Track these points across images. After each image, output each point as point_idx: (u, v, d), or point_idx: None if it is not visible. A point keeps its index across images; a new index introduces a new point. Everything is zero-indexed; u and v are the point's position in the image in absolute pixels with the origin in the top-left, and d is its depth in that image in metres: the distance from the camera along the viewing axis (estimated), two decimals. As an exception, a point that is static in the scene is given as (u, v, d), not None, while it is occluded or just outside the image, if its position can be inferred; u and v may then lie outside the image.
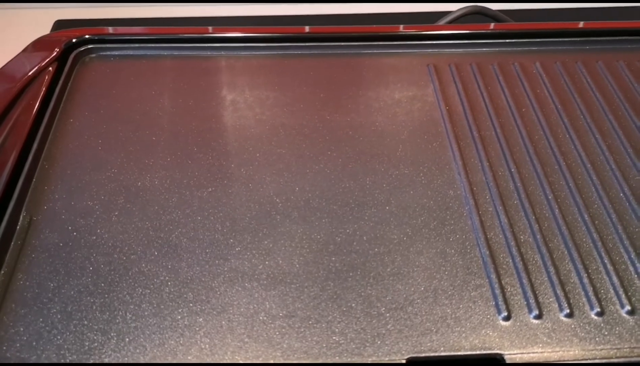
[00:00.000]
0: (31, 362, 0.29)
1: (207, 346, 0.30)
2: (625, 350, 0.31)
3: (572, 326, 0.32)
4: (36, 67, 0.46)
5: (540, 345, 0.31)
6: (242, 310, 0.32)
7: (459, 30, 0.52)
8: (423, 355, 0.30)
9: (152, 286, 0.33)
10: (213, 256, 0.34)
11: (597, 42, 0.52)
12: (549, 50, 0.52)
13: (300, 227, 0.36)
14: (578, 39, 0.52)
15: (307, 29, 0.53)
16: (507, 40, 0.52)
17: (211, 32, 0.52)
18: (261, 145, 0.42)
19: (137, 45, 0.51)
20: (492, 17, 0.61)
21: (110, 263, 0.34)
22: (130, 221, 0.36)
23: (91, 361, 0.29)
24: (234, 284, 0.33)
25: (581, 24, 0.54)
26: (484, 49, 0.52)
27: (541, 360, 0.30)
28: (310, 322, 0.31)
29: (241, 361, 0.30)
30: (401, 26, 0.53)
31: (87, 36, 0.50)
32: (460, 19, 0.59)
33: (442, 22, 0.59)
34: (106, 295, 0.32)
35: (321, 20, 0.72)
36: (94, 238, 0.35)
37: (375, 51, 0.51)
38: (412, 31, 0.52)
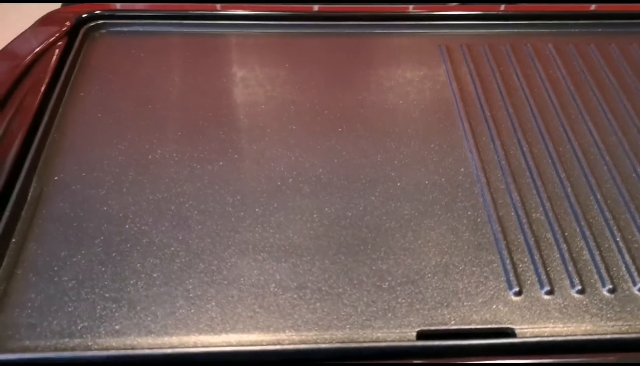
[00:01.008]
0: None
1: (218, 315, 0.30)
2: (637, 326, 0.31)
3: (584, 302, 0.31)
4: (47, 42, 0.46)
5: (552, 320, 0.31)
6: (252, 280, 0.32)
7: (471, 12, 0.52)
8: (433, 327, 0.30)
9: (163, 256, 0.32)
10: (223, 228, 0.34)
11: (610, 25, 0.52)
12: (562, 32, 0.51)
13: (311, 202, 0.36)
14: (591, 21, 0.52)
15: (316, 7, 0.53)
16: (520, 22, 0.52)
17: (220, 9, 0.52)
18: (272, 121, 0.42)
19: (146, 21, 0.50)
20: None
21: (121, 233, 0.34)
22: (141, 193, 0.36)
23: (102, 329, 0.29)
24: (245, 256, 0.33)
25: (594, 7, 0.53)
26: (496, 30, 0.51)
27: (553, 335, 0.30)
28: (320, 294, 0.31)
29: (252, 330, 0.30)
30: (411, 6, 0.53)
31: (97, 12, 0.50)
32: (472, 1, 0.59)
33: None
34: (117, 265, 0.32)
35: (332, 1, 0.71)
36: (105, 208, 0.35)
37: (386, 31, 0.51)
38: (423, 11, 0.52)
